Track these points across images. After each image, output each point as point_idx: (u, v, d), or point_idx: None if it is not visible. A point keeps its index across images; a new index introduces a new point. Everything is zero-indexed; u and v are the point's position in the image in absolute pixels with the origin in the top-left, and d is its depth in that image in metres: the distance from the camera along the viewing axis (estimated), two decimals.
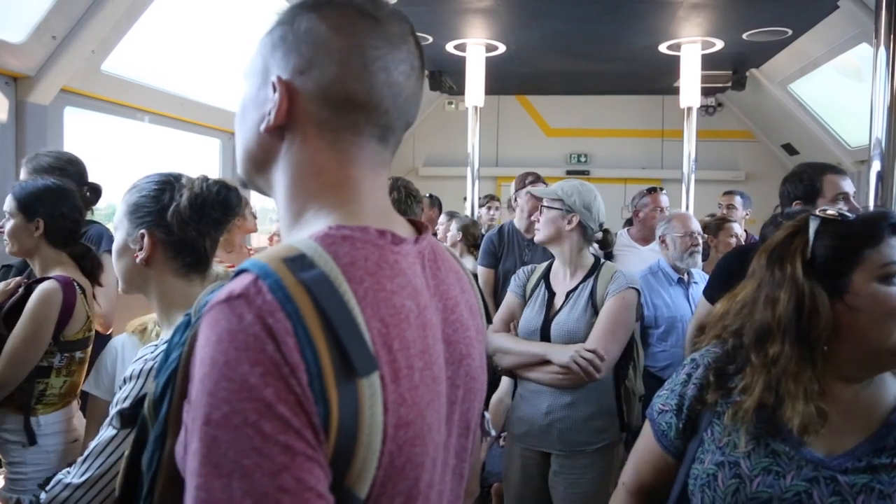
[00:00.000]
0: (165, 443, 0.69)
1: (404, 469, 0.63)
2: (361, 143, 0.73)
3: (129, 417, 0.94)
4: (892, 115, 2.09)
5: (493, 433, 0.96)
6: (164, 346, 0.77)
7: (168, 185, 1.28)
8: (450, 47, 5.33)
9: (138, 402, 0.97)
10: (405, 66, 0.74)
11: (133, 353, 1.68)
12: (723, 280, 2.53)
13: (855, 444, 1.02)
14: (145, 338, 1.70)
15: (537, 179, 3.52)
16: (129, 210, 1.27)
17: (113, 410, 1.17)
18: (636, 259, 3.71)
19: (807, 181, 2.40)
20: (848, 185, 2.32)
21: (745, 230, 4.07)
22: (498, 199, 5.65)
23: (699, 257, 3.09)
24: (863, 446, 1.01)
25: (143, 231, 1.25)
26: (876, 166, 2.12)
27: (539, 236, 2.27)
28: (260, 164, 0.76)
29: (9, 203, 1.97)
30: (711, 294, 2.58)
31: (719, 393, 1.12)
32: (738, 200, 4.56)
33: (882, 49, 2.10)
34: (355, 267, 0.64)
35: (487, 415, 0.94)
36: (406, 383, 0.64)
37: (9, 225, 1.97)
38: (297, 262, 0.61)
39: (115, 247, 1.30)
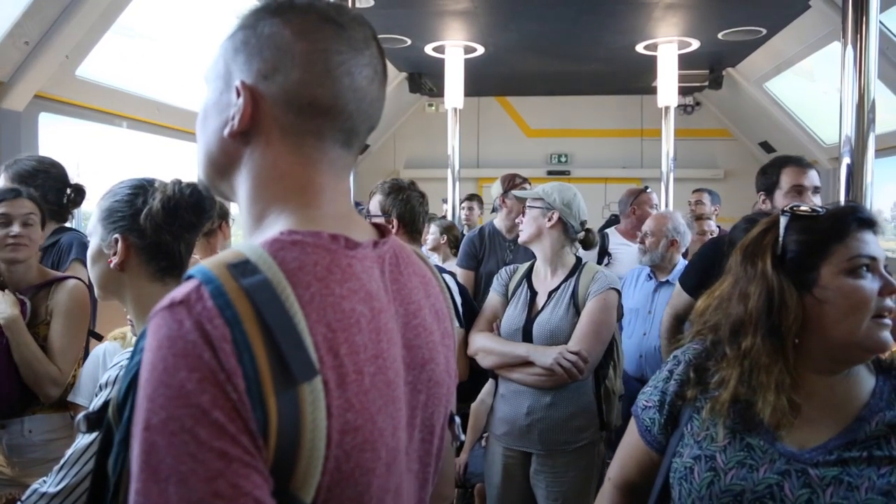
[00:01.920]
0: (129, 446, 0.69)
1: (353, 475, 0.63)
2: (325, 148, 0.73)
3: (95, 421, 0.94)
4: (860, 112, 2.13)
5: (463, 438, 0.95)
6: None
7: (142, 189, 1.27)
8: (428, 49, 5.33)
9: (104, 405, 0.97)
10: (368, 71, 0.74)
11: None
12: (698, 269, 2.58)
13: (828, 438, 1.04)
14: (126, 345, 1.70)
15: (524, 181, 3.54)
16: (103, 215, 1.26)
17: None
18: (632, 256, 3.77)
19: (769, 174, 2.46)
20: (807, 178, 2.37)
21: (718, 226, 4.17)
22: (477, 199, 5.63)
23: (643, 256, 3.13)
24: (835, 440, 1.03)
25: (116, 236, 1.24)
26: (846, 162, 2.16)
27: (522, 236, 2.29)
28: (223, 169, 0.76)
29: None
30: (685, 282, 2.61)
31: (699, 388, 1.14)
32: (706, 197, 4.70)
33: (850, 48, 2.14)
34: (303, 272, 0.64)
35: (458, 419, 0.94)
36: (354, 388, 0.63)
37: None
38: (241, 267, 0.62)
39: (89, 253, 1.29)
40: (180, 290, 0.60)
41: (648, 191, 4.03)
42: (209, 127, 0.75)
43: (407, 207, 2.36)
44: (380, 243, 0.76)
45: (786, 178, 2.40)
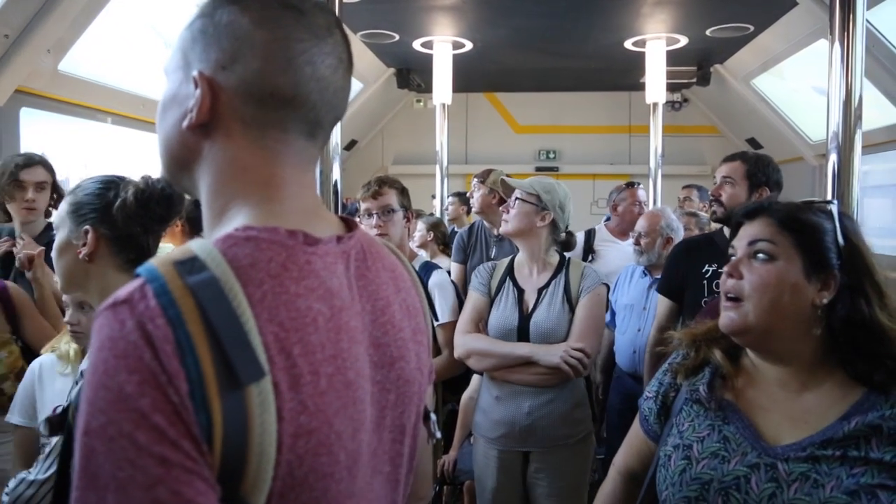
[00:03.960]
0: None
1: (307, 479, 0.61)
2: (288, 140, 0.71)
3: (57, 424, 0.93)
4: (847, 109, 2.14)
5: (439, 435, 0.94)
6: None
7: (113, 184, 1.30)
8: (417, 45, 5.31)
9: (66, 409, 0.97)
10: (332, 59, 0.72)
11: (51, 373, 1.68)
12: (668, 274, 2.66)
13: (806, 435, 1.04)
14: (61, 356, 1.69)
15: (489, 174, 3.59)
16: (73, 209, 1.28)
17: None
18: (617, 253, 3.76)
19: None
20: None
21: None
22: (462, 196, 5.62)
23: (640, 257, 3.13)
24: (812, 437, 1.03)
25: (87, 227, 1.25)
26: (833, 159, 2.17)
27: (508, 227, 2.24)
28: (183, 163, 0.73)
29: None
30: (663, 288, 2.68)
31: (689, 379, 1.18)
32: (695, 194, 4.70)
33: (837, 45, 2.15)
34: (255, 269, 0.62)
35: (433, 416, 0.92)
36: (309, 390, 0.61)
37: None
38: (188, 265, 0.60)
39: (56, 245, 1.29)
40: (125, 289, 0.58)
41: (635, 186, 3.98)
42: (168, 120, 0.73)
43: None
44: (345, 238, 0.74)
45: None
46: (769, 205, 1.13)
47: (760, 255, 1.08)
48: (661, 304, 2.67)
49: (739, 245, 1.12)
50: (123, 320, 0.56)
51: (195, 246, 0.62)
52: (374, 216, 2.40)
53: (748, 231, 1.12)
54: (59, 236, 1.29)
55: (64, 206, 1.30)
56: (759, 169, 2.47)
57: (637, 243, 3.12)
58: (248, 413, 0.57)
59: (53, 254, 1.30)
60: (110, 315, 0.57)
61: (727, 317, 1.09)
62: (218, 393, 0.56)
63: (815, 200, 1.14)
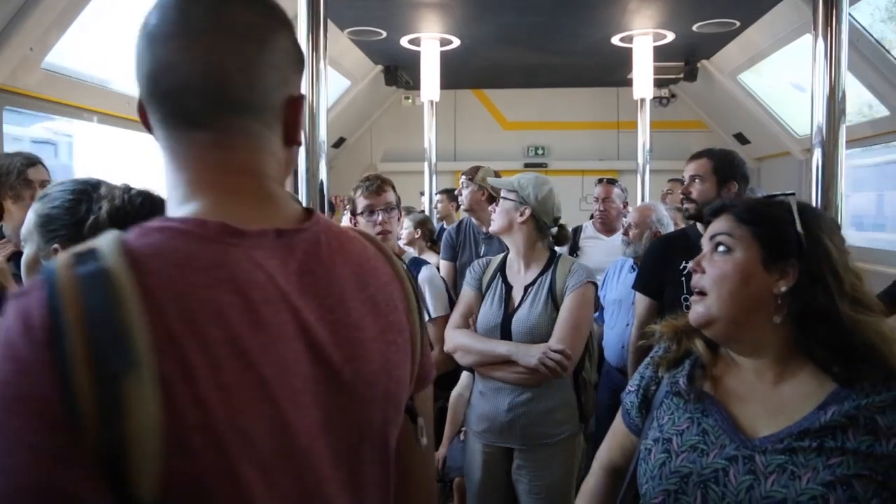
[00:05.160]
0: None
1: (207, 476, 0.59)
2: (193, 134, 0.72)
3: None
4: (831, 104, 2.16)
5: (425, 441, 0.91)
6: None
7: (85, 194, 1.17)
8: (404, 42, 5.29)
9: None
10: (206, 39, 0.70)
11: None
12: (644, 270, 2.68)
13: (783, 427, 1.05)
14: None
15: (476, 171, 3.60)
16: (41, 222, 1.17)
17: None
18: (601, 249, 3.80)
19: None
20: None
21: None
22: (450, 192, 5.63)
23: (626, 247, 3.15)
24: (788, 428, 1.04)
25: (56, 245, 1.14)
26: (817, 154, 2.19)
27: (493, 226, 2.28)
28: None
29: None
30: (641, 285, 2.69)
31: (671, 371, 1.20)
32: (678, 187, 4.73)
33: (820, 40, 2.17)
34: (159, 258, 0.62)
35: (420, 420, 0.87)
36: (208, 384, 0.59)
37: None
38: (84, 256, 0.61)
39: (24, 261, 1.19)
40: (28, 283, 0.61)
41: (602, 181, 4.04)
42: None
43: None
44: (289, 232, 0.72)
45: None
46: (731, 202, 1.17)
47: (720, 249, 1.12)
48: (639, 301, 2.67)
49: (704, 242, 1.16)
50: (13, 311, 0.58)
51: (102, 237, 0.64)
52: (379, 213, 2.38)
53: (711, 228, 1.16)
54: (28, 251, 1.18)
55: (32, 216, 1.18)
56: (724, 164, 2.52)
57: (625, 234, 3.14)
58: (124, 403, 0.56)
59: (23, 270, 1.20)
60: (8, 306, 0.59)
61: (694, 311, 1.12)
62: (91, 382, 0.55)
63: (776, 194, 1.16)
